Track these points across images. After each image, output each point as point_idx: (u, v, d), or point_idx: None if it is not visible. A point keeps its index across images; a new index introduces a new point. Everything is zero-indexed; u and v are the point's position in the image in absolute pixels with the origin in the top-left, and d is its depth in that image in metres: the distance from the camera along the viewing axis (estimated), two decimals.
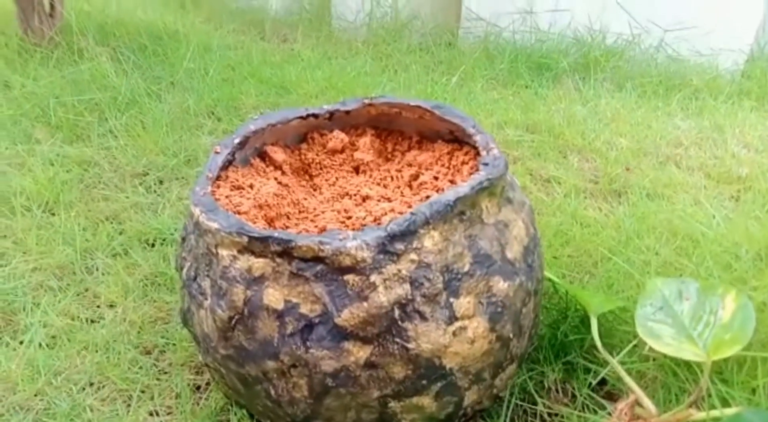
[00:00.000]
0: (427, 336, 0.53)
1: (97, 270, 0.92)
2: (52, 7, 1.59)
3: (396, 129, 0.78)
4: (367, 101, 0.75)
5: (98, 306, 0.85)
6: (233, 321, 0.55)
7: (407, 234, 0.52)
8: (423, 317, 0.53)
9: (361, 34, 1.90)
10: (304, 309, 0.53)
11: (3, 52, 1.55)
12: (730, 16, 1.61)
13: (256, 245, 0.53)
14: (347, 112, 0.76)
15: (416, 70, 1.58)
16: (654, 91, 1.48)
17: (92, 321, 0.83)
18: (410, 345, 0.53)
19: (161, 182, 1.12)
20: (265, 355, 0.55)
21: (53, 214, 1.02)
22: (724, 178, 1.12)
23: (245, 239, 0.53)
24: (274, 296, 0.53)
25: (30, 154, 1.17)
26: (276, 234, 0.52)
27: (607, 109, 1.38)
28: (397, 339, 0.53)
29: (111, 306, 0.85)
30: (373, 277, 0.52)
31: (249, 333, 0.55)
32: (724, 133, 1.28)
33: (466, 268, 0.55)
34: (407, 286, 0.52)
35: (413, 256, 0.52)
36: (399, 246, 0.52)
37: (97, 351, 0.77)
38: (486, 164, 0.60)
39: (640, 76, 1.55)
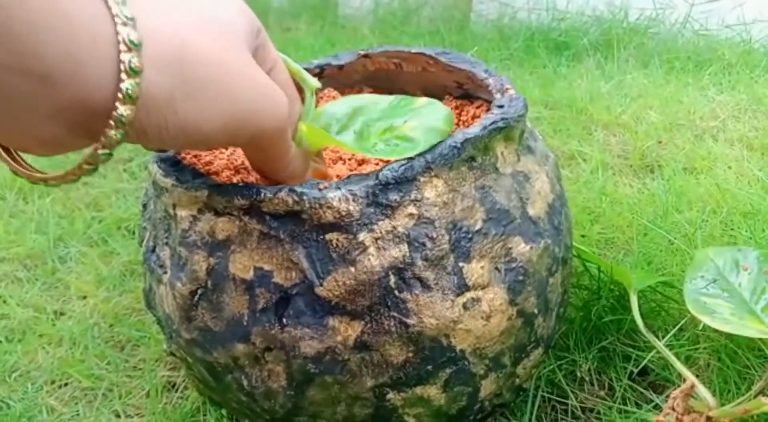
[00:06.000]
0: (431, 310, 0.43)
1: (70, 259, 0.83)
2: None
3: (397, 87, 0.68)
4: (362, 52, 0.65)
5: (68, 298, 0.76)
6: (196, 297, 0.45)
7: (404, 182, 0.42)
8: (425, 285, 0.43)
9: (368, 21, 1.81)
10: (278, 277, 0.43)
11: None
12: None
13: (218, 200, 0.43)
14: (340, 68, 0.66)
15: None
16: (683, 67, 1.37)
17: (61, 314, 0.74)
18: (410, 321, 0.43)
19: (147, 168, 1.03)
20: (234, 337, 0.45)
21: (27, 202, 0.94)
22: None
23: (204, 193, 0.43)
24: (241, 263, 0.43)
25: None
26: (241, 185, 0.42)
27: (634, 85, 1.26)
28: (394, 313, 0.43)
29: (83, 297, 0.76)
30: (362, 236, 0.41)
31: (214, 311, 0.45)
32: (764, 104, 1.16)
33: (477, 226, 0.44)
34: (405, 247, 0.42)
35: (411, 210, 0.42)
36: (393, 197, 0.42)
37: (61, 346, 0.68)
38: (501, 106, 0.49)
39: (667, 52, 1.44)
